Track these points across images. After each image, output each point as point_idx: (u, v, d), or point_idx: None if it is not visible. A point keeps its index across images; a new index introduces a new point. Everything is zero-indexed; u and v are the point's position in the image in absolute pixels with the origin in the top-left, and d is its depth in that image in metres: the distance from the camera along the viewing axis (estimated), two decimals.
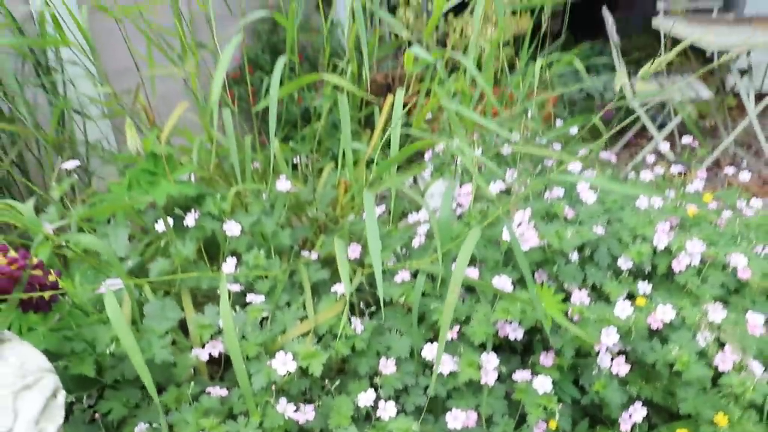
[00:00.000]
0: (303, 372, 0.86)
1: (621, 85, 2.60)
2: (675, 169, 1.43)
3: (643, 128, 2.64)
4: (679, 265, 1.08)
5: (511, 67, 2.40)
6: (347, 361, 0.96)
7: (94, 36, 1.33)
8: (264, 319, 0.96)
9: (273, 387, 0.83)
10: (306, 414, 0.82)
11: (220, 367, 0.97)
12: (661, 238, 1.10)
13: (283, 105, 2.08)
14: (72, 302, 0.84)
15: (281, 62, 1.03)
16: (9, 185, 1.34)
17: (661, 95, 2.59)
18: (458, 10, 1.50)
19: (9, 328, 0.80)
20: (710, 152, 2.58)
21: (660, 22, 2.85)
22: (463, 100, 1.07)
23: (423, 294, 1.01)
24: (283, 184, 1.12)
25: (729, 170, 1.49)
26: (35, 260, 0.73)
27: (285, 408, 0.80)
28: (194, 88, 1.13)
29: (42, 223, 1.01)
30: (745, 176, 1.41)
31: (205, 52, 1.28)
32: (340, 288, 1.00)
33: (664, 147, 1.64)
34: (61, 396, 0.58)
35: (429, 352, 0.90)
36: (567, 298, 1.04)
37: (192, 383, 0.85)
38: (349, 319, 0.96)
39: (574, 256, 1.10)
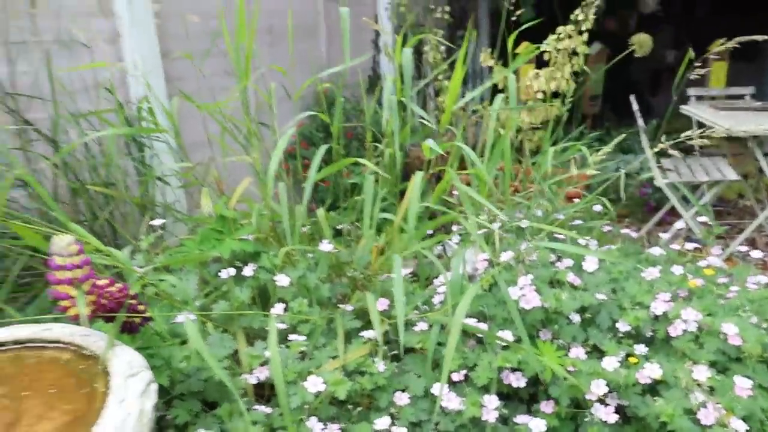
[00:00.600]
0: (332, 400, 1.04)
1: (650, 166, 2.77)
2: (690, 245, 1.59)
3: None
4: (675, 330, 1.22)
5: (538, 149, 2.62)
6: (371, 397, 1.13)
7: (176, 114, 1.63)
8: (302, 355, 1.15)
9: (306, 407, 1.01)
10: None
11: (263, 393, 1.15)
12: (659, 306, 1.25)
13: (333, 179, 2.34)
14: (153, 329, 1.06)
15: (321, 151, 1.28)
16: (102, 235, 1.61)
17: (687, 177, 2.73)
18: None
19: None
20: (741, 231, 2.68)
21: (688, 108, 3.04)
22: (479, 182, 1.28)
23: (438, 343, 1.18)
24: (326, 246, 1.33)
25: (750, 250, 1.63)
26: (132, 292, 0.95)
27: (314, 426, 0.98)
28: (257, 166, 1.39)
29: (132, 267, 1.25)
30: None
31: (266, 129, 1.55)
32: (368, 333, 1.19)
33: (692, 224, 1.79)
34: (154, 385, 0.78)
35: (438, 389, 1.07)
36: (568, 354, 1.19)
37: (242, 404, 1.05)
38: (374, 360, 1.14)
39: (576, 318, 1.26)
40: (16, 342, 0.87)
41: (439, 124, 1.46)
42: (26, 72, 1.74)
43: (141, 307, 1.00)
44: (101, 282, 0.84)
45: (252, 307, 1.27)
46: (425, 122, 1.42)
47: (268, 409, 1.04)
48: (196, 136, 1.75)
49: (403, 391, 1.12)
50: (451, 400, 1.06)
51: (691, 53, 2.04)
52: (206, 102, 1.49)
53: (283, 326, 1.18)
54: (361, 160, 1.26)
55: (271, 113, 1.53)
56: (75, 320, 0.82)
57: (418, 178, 1.18)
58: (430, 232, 1.52)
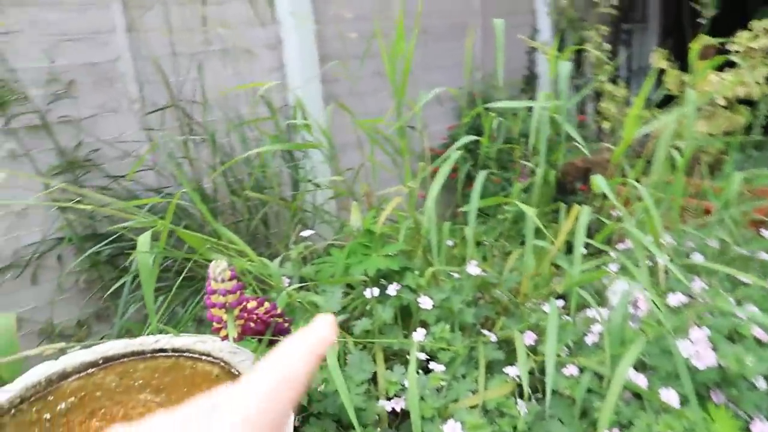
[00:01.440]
0: None
1: None
2: None
3: None
4: None
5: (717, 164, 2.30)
6: None
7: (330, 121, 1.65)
8: (442, 386, 1.11)
9: None
10: None
11: (397, 420, 1.13)
12: None
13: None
14: None
15: (482, 177, 1.22)
16: (256, 237, 1.70)
17: None
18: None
19: None
20: None
21: None
22: (647, 218, 1.14)
23: (588, 390, 1.07)
24: (473, 269, 1.27)
25: None
26: (279, 310, 0.97)
27: None
28: (406, 179, 1.36)
29: (281, 277, 1.29)
30: None
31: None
32: (512, 370, 1.11)
33: None
34: (291, 415, 0.78)
35: None
36: (747, 426, 1.02)
37: (378, 429, 1.03)
38: (516, 401, 1.06)
39: (762, 384, 1.07)
40: (174, 350, 0.92)
41: (600, 130, 1.33)
42: (194, 79, 1.88)
43: (287, 325, 1.01)
44: (251, 305, 0.86)
45: (393, 327, 1.25)
46: (579, 146, 1.29)
47: None
48: (346, 138, 1.77)
49: None
50: None
51: None
52: (356, 104, 1.49)
53: (422, 356, 1.15)
54: (507, 200, 1.18)
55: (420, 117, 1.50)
56: (226, 340, 0.85)
57: (584, 217, 1.07)
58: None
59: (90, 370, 0.90)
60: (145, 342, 0.93)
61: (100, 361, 0.91)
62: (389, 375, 1.12)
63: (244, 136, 1.78)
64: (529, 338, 1.20)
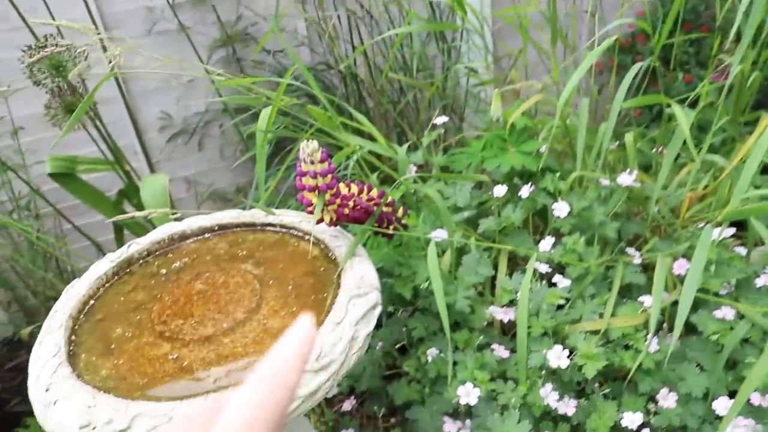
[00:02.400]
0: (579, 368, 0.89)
1: None
2: None
3: None
4: None
5: None
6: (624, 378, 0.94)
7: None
8: (565, 301, 1.00)
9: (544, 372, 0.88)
10: (566, 407, 0.85)
11: (510, 328, 1.06)
12: None
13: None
14: (412, 236, 1.03)
15: (635, 69, 1.00)
16: (395, 122, 1.64)
17: None
18: None
19: (364, 244, 1.04)
20: None
21: None
22: None
23: (745, 340, 0.90)
24: (626, 178, 1.09)
25: None
26: (389, 199, 0.92)
27: (548, 395, 0.85)
28: (554, 77, 1.18)
29: (409, 164, 1.23)
30: None
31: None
32: (649, 300, 0.96)
33: None
34: (378, 309, 0.75)
35: (721, 405, 0.82)
36: None
37: (481, 335, 0.97)
38: (647, 335, 0.93)
39: None
40: (281, 226, 0.93)
41: None
42: None
43: (399, 214, 0.97)
44: (351, 190, 0.81)
45: (521, 232, 1.14)
46: None
47: (505, 353, 0.94)
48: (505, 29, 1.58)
49: (676, 384, 0.89)
50: (737, 426, 0.80)
51: None
52: None
53: (545, 268, 1.04)
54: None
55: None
56: (321, 223, 0.82)
57: None
58: None
59: (206, 235, 0.94)
60: (256, 215, 0.94)
61: (216, 228, 0.95)
62: (506, 282, 1.04)
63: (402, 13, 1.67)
64: (681, 267, 1.02)
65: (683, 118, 1.00)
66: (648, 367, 0.91)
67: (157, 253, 0.92)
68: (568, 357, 0.86)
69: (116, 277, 0.86)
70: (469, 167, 1.23)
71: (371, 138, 1.19)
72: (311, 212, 0.77)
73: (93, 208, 1.47)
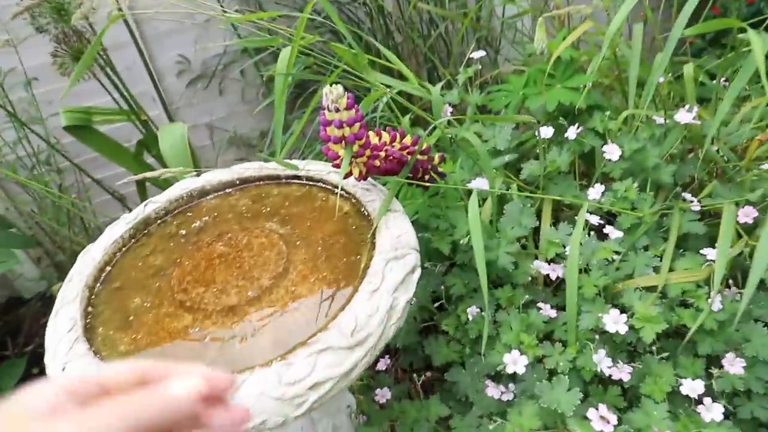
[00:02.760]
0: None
1: None
2: None
3: None
4: None
5: None
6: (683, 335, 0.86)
7: None
8: (615, 255, 0.92)
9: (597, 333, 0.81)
10: (620, 372, 0.79)
11: (556, 284, 0.99)
12: None
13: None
14: (449, 183, 0.95)
15: None
16: (426, 58, 1.52)
17: None
18: None
19: (398, 195, 0.96)
20: None
21: None
22: None
23: None
24: (685, 116, 0.98)
25: None
26: (424, 146, 0.83)
27: (601, 360, 0.78)
28: (605, 1, 1.04)
29: (444, 105, 1.13)
30: None
31: None
32: (712, 252, 0.87)
33: None
34: (417, 273, 0.68)
35: None
36: None
37: (526, 293, 0.90)
38: (710, 292, 0.84)
39: None
40: (308, 178, 0.85)
41: None
42: None
43: (435, 161, 0.88)
44: (382, 138, 0.73)
45: (567, 177, 1.05)
46: None
47: (552, 312, 0.87)
48: None
49: (740, 346, 0.82)
50: None
51: None
52: None
53: (596, 220, 0.95)
54: None
55: None
56: (350, 177, 0.74)
57: None
58: None
59: (227, 190, 0.88)
60: (280, 166, 0.87)
61: (237, 182, 0.88)
62: (551, 234, 0.96)
63: None
64: (747, 215, 0.92)
65: (758, 43, 0.87)
66: (710, 327, 0.83)
67: (176, 211, 0.85)
68: (624, 319, 0.78)
69: (133, 240, 0.80)
70: (508, 106, 1.13)
71: (401, 77, 1.09)
72: (338, 166, 0.69)
73: (112, 160, 1.42)
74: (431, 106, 1.06)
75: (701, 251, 0.89)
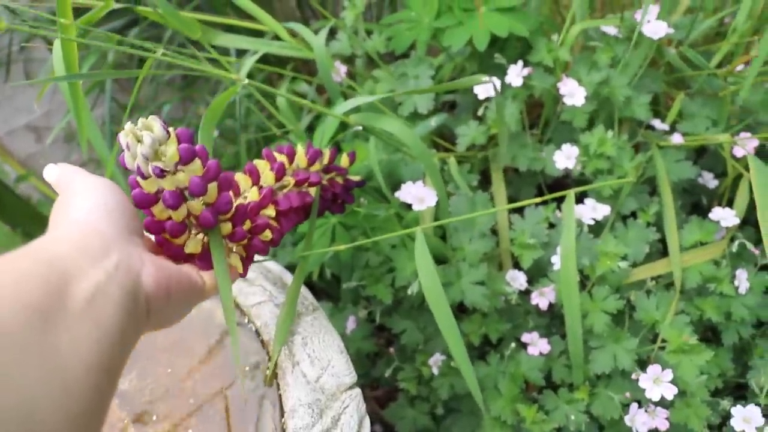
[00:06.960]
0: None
1: None
2: None
3: None
4: None
5: None
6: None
7: None
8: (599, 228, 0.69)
9: None
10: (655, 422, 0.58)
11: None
12: None
13: None
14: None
15: None
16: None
17: None
18: None
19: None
20: None
21: None
22: None
23: None
24: (657, 28, 0.72)
25: None
26: (326, 157, 0.53)
27: (635, 416, 0.57)
28: None
29: (332, 62, 0.80)
30: None
31: None
32: (728, 216, 0.66)
33: None
34: None
35: None
36: None
37: (501, 324, 0.66)
38: (731, 270, 0.64)
39: None
40: None
41: None
42: None
43: (344, 163, 0.58)
44: (255, 193, 0.42)
45: (520, 136, 0.78)
46: None
47: (544, 344, 0.64)
48: None
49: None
50: None
51: None
52: None
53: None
54: None
55: None
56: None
57: None
58: None
59: None
60: None
61: None
62: (520, 227, 0.70)
63: None
64: (747, 144, 0.71)
65: None
66: (739, 317, 0.64)
67: None
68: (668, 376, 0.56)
69: None
70: (415, 46, 0.82)
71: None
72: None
73: None
74: (318, 69, 0.74)
75: (711, 215, 0.68)
